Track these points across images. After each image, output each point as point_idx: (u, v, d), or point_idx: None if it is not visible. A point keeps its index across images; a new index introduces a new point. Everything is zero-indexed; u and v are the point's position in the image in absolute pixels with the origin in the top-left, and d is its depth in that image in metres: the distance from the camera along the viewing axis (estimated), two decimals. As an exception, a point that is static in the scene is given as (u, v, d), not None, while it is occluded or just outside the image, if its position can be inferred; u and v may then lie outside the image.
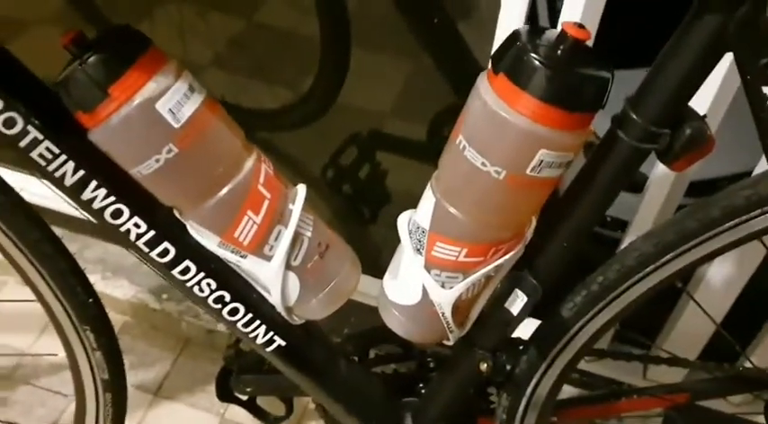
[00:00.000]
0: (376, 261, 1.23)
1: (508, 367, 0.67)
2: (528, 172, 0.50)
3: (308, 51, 1.21)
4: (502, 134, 0.49)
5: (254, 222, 0.56)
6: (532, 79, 0.47)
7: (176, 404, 1.15)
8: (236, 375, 0.84)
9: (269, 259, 0.58)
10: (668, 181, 0.82)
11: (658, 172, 0.82)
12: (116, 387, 0.73)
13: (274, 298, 0.60)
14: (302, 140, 1.31)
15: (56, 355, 0.73)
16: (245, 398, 0.88)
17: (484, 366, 0.66)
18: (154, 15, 1.19)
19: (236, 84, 1.26)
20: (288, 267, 0.59)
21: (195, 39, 1.21)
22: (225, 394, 0.86)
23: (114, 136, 0.51)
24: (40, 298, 0.67)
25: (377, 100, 1.27)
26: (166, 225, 0.58)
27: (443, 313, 0.59)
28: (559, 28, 0.48)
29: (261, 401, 0.89)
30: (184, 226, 0.59)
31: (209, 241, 0.58)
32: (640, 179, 0.86)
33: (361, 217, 1.27)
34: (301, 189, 0.60)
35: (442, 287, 0.58)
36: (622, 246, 0.74)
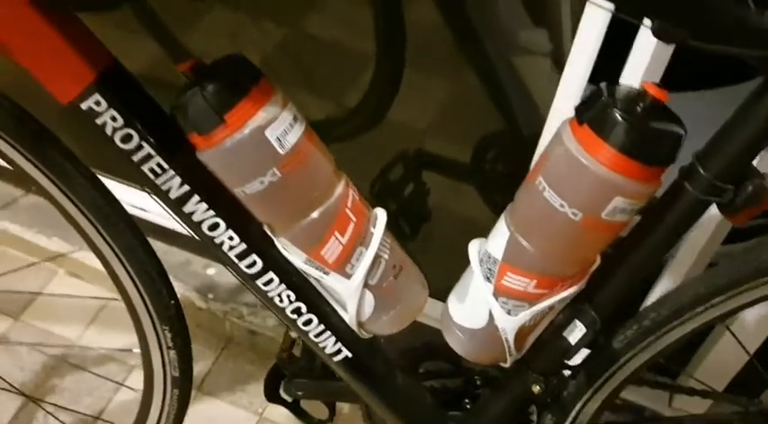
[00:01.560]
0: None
1: (557, 391, 0.71)
2: (603, 215, 0.54)
3: (357, 63, 1.26)
4: (582, 180, 0.54)
5: (340, 242, 0.61)
6: (614, 132, 0.52)
7: (216, 401, 1.20)
8: (288, 378, 0.89)
9: (349, 277, 0.63)
10: (713, 223, 0.85)
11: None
12: (184, 385, 0.78)
13: (350, 313, 0.65)
14: (338, 151, 1.36)
15: (130, 350, 0.78)
16: (290, 400, 0.93)
17: (536, 389, 0.70)
18: (204, 22, 1.24)
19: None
20: (365, 285, 0.64)
21: (245, 47, 1.26)
22: (272, 395, 0.91)
23: (224, 159, 0.56)
24: (124, 295, 0.72)
25: (416, 115, 1.32)
26: (257, 239, 0.63)
27: (506, 338, 0.64)
28: (639, 86, 0.53)
29: (303, 403, 0.94)
30: (272, 241, 0.64)
31: (296, 257, 0.63)
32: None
33: (402, 233, 1.32)
34: (381, 214, 0.64)
35: (508, 313, 0.62)
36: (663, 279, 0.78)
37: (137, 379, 1.18)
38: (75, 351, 1.23)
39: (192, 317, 1.32)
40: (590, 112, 0.53)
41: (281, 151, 0.56)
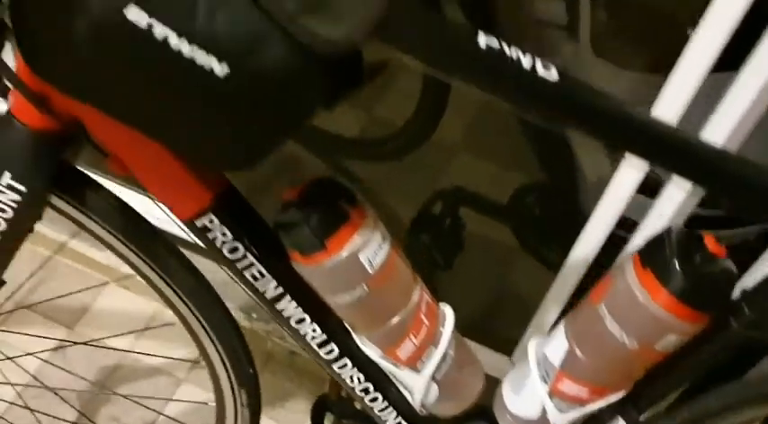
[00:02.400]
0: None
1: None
2: (655, 346, 0.61)
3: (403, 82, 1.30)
4: (641, 317, 0.60)
5: (413, 343, 0.68)
6: (673, 281, 0.58)
7: (258, 416, 1.28)
8: (336, 418, 0.97)
9: (418, 371, 0.70)
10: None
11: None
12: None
13: (415, 400, 0.72)
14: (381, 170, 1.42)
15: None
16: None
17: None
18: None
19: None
20: (432, 378, 0.71)
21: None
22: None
23: (319, 275, 0.63)
24: (206, 358, 0.79)
25: (449, 132, 1.37)
26: (337, 331, 0.70)
27: (556, 430, 0.71)
28: (700, 236, 0.59)
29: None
30: (350, 333, 0.71)
31: (372, 352, 0.70)
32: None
33: (435, 264, 1.38)
34: (449, 314, 0.71)
35: (560, 411, 0.69)
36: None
37: (187, 391, 1.30)
38: (129, 362, 1.31)
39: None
40: (653, 259, 0.60)
41: (369, 270, 0.62)
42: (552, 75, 0.49)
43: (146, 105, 0.46)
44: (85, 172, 0.64)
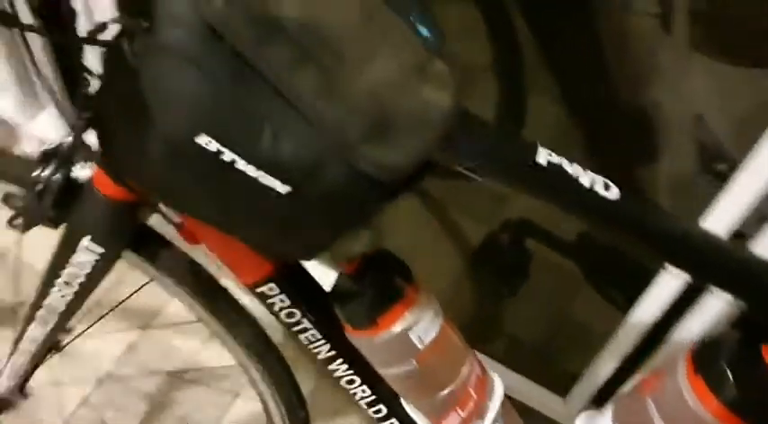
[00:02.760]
0: (508, 347, 1.34)
1: None
2: (699, 448, 0.61)
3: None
4: (688, 420, 0.60)
5: (460, 416, 0.69)
6: (725, 391, 0.58)
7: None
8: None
9: (463, 440, 0.71)
10: None
11: None
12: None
13: (458, 464, 0.74)
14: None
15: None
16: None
17: None
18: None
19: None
20: (476, 447, 0.72)
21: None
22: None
23: (370, 348, 0.65)
24: (264, 405, 0.83)
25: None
26: (386, 395, 0.72)
27: None
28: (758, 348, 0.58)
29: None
30: (397, 395, 0.72)
31: (418, 418, 0.71)
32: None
33: (498, 292, 1.39)
34: (498, 386, 0.72)
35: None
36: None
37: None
38: (194, 365, 1.38)
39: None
40: (706, 365, 0.59)
41: (419, 346, 0.64)
42: (612, 193, 0.49)
43: (213, 210, 0.48)
44: (157, 230, 0.68)
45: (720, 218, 0.77)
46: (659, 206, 0.52)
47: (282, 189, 0.45)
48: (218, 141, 0.43)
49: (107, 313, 1.01)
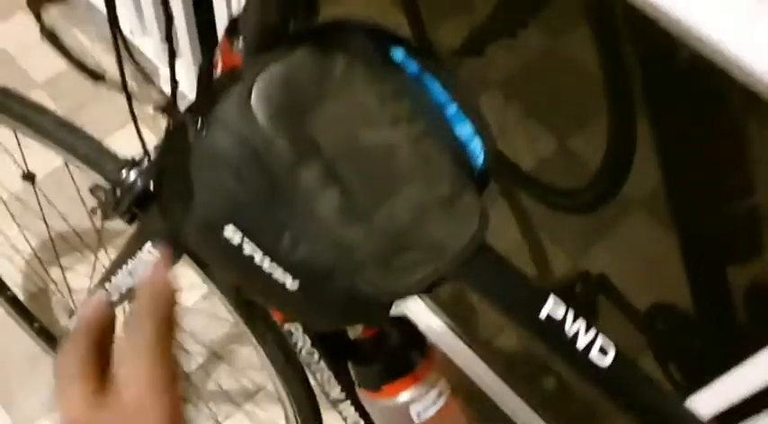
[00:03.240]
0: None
1: None
2: None
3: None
4: None
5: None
6: None
7: None
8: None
9: None
10: None
11: None
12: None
13: None
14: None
15: None
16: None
17: None
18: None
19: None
20: None
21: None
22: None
23: (371, 407, 0.69)
24: (286, 417, 0.90)
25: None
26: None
27: None
28: None
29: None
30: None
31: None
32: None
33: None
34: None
35: None
36: None
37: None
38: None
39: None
40: None
41: (416, 421, 0.67)
42: (605, 360, 0.50)
43: (234, 279, 0.53)
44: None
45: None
46: (650, 379, 0.52)
47: (292, 286, 0.49)
48: (242, 233, 0.47)
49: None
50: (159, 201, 0.56)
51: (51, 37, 0.49)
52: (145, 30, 1.54)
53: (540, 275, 1.40)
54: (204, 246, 0.51)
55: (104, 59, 1.68)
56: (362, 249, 0.47)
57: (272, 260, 0.48)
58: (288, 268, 0.48)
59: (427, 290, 0.51)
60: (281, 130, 0.44)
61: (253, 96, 0.44)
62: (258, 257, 0.48)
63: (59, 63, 0.53)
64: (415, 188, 0.48)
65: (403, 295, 0.49)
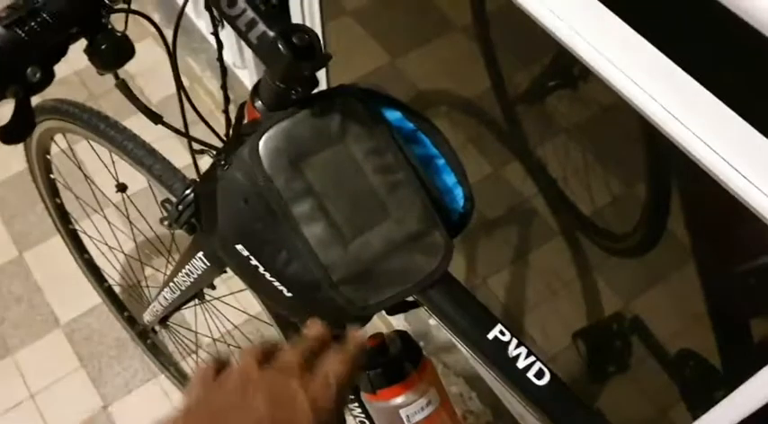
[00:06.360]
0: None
1: None
2: None
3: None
4: None
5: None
6: None
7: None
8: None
9: None
10: None
11: None
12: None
13: None
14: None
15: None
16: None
17: None
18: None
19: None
20: None
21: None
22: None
23: (368, 406, 0.80)
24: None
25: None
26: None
27: None
28: None
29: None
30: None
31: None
32: None
33: (593, 374, 1.43)
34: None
35: None
36: None
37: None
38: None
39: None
40: None
41: (406, 423, 0.78)
42: (541, 381, 0.59)
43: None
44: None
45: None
46: (581, 401, 0.60)
47: (287, 293, 0.61)
48: (248, 250, 0.60)
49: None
50: (198, 219, 0.71)
51: (123, 85, 0.64)
52: (244, 62, 1.73)
53: (587, 311, 1.46)
54: (227, 256, 0.64)
55: (211, 85, 1.88)
56: (340, 270, 0.59)
57: (270, 274, 0.61)
58: (282, 280, 0.61)
59: (394, 309, 0.62)
60: (280, 173, 0.57)
61: (260, 145, 0.57)
62: (260, 269, 0.61)
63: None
64: (388, 225, 0.59)
65: (372, 309, 0.60)
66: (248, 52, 1.66)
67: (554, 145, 1.39)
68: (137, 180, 1.01)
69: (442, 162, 0.64)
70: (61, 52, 0.52)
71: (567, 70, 1.32)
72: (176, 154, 0.96)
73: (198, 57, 1.94)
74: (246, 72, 1.73)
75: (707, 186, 1.01)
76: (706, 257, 1.10)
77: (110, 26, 0.54)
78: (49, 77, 0.50)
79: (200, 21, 1.82)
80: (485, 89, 1.51)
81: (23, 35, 0.48)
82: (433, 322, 1.52)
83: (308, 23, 1.35)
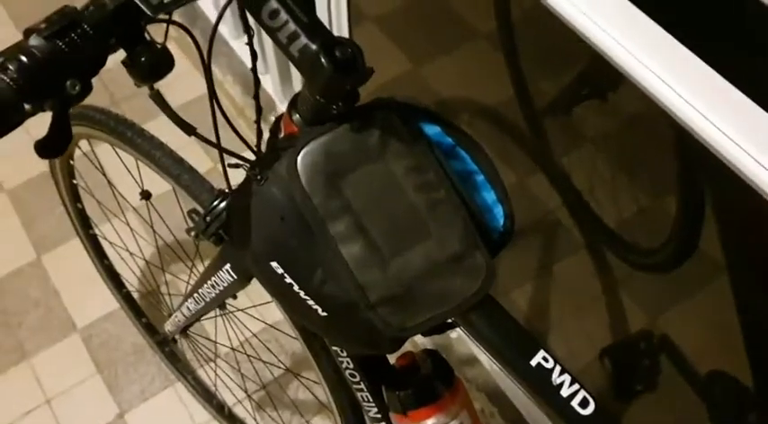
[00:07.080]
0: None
1: None
2: None
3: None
4: None
5: None
6: None
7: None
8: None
9: None
10: None
11: None
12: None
13: None
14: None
15: None
16: None
17: None
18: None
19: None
20: None
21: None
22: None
23: (400, 427, 0.78)
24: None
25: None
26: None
27: None
28: None
29: None
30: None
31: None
32: None
33: (620, 392, 1.41)
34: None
35: None
36: None
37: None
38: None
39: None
40: None
41: (435, 446, 0.76)
42: (586, 409, 0.57)
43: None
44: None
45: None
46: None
47: (322, 313, 0.59)
48: (283, 269, 0.58)
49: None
50: (228, 233, 0.69)
51: (157, 96, 0.62)
52: (267, 68, 1.72)
53: (612, 328, 1.43)
54: (260, 273, 0.62)
55: (234, 90, 1.87)
56: (377, 290, 0.57)
57: (305, 293, 0.59)
58: (318, 299, 0.59)
59: (432, 331, 0.60)
60: (318, 190, 0.55)
61: (299, 161, 0.55)
62: (295, 288, 0.59)
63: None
64: (428, 245, 0.57)
65: (410, 332, 0.58)
66: (271, 57, 1.64)
67: (580, 155, 1.37)
68: (158, 183, 1.00)
69: (481, 178, 0.62)
70: (100, 64, 0.50)
71: (596, 79, 1.29)
72: (195, 155, 0.94)
73: (218, 60, 1.93)
74: (269, 77, 1.71)
75: (746, 198, 0.99)
76: (742, 273, 1.07)
77: (149, 38, 0.52)
78: (87, 90, 0.49)
79: (222, 26, 1.80)
80: (508, 98, 1.49)
81: (64, 47, 0.47)
82: (454, 335, 1.50)
83: (335, 31, 1.34)
